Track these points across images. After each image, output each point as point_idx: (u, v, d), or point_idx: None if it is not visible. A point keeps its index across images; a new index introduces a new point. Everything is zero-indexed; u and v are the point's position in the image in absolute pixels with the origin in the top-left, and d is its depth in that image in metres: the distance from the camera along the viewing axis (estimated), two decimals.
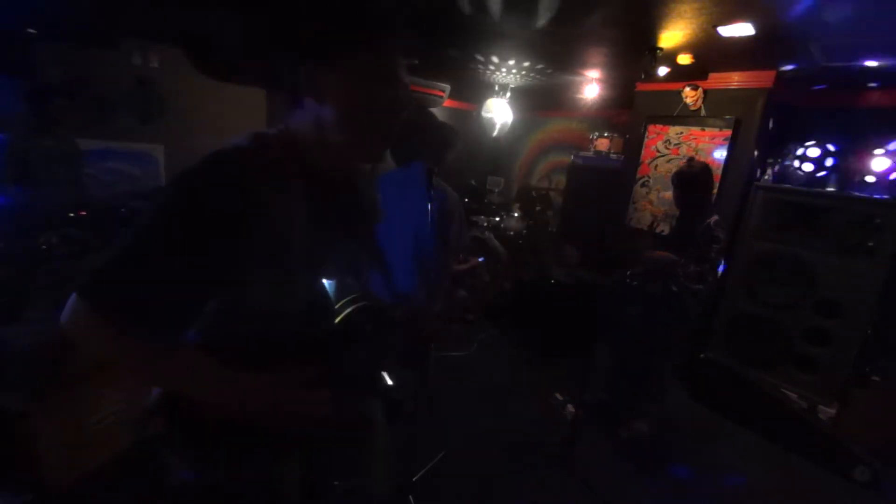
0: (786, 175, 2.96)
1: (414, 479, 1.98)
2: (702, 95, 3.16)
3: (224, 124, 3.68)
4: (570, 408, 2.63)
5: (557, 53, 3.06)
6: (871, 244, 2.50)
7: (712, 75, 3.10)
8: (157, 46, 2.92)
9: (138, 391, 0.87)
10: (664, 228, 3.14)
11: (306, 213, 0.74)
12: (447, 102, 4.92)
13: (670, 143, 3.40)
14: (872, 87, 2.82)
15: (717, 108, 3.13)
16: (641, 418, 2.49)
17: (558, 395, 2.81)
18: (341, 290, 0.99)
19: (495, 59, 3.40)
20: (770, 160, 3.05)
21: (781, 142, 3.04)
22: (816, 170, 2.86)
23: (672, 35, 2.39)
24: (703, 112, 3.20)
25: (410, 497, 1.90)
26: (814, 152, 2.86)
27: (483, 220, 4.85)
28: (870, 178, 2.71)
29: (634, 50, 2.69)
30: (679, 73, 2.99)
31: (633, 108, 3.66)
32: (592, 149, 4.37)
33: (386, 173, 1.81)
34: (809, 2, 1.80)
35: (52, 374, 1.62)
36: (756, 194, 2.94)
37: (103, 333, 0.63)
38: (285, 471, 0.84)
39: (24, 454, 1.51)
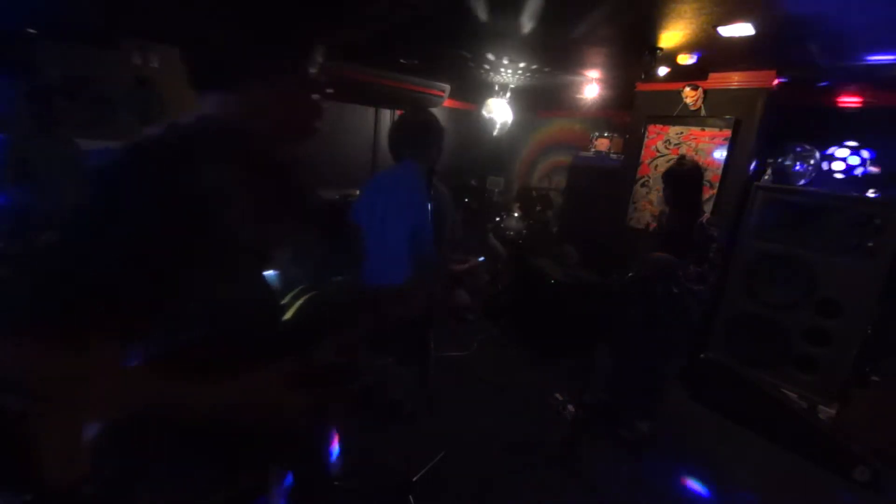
0: (784, 175, 2.96)
1: (414, 479, 1.98)
2: (702, 95, 3.16)
3: None
4: (570, 408, 2.63)
5: (557, 53, 3.07)
6: (871, 244, 2.50)
7: (712, 75, 3.09)
8: (157, 46, 2.92)
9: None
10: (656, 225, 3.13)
11: (239, 200, 0.69)
12: (447, 102, 4.93)
13: (670, 143, 3.40)
14: (873, 87, 2.82)
15: (717, 108, 3.13)
16: (642, 418, 2.49)
17: (558, 395, 2.81)
18: (287, 281, 0.92)
19: (495, 60, 3.41)
20: (770, 160, 3.05)
21: (781, 142, 3.04)
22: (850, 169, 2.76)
23: (672, 35, 2.40)
24: (703, 112, 3.20)
25: (410, 497, 1.90)
26: (843, 153, 2.78)
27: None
28: None
29: (634, 50, 2.69)
30: (679, 73, 3.00)
31: (633, 108, 3.66)
32: (592, 149, 4.37)
33: (380, 172, 1.87)
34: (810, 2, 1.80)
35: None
36: (756, 194, 2.94)
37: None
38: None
39: (25, 454, 1.51)
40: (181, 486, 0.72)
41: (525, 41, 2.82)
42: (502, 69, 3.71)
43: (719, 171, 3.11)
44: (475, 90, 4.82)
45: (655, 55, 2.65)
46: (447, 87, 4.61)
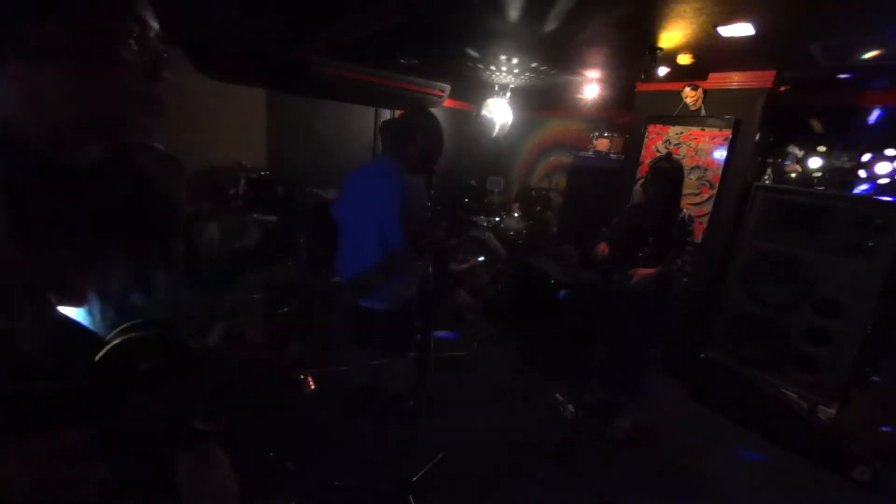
0: (783, 175, 2.97)
1: (414, 479, 1.98)
2: (702, 95, 3.16)
3: (224, 124, 3.69)
4: (571, 408, 2.64)
5: (557, 53, 3.06)
6: (871, 244, 2.50)
7: (712, 75, 3.09)
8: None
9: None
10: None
11: (16, 221, 0.55)
12: (447, 102, 4.93)
13: (670, 143, 3.40)
14: (874, 87, 2.82)
15: (716, 108, 3.13)
16: (625, 416, 2.53)
17: (558, 395, 2.81)
18: (117, 314, 0.71)
19: (495, 59, 3.40)
20: (770, 160, 3.05)
21: (781, 142, 3.04)
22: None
23: (672, 35, 2.40)
24: (702, 112, 3.20)
25: (410, 497, 1.90)
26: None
27: (483, 220, 4.85)
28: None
29: (634, 50, 2.69)
30: (679, 73, 3.00)
31: (633, 108, 3.66)
32: (592, 149, 4.37)
33: (355, 168, 2.08)
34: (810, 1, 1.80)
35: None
36: (756, 194, 2.94)
37: None
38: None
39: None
40: None
41: (525, 41, 2.82)
42: (502, 69, 3.71)
43: (719, 171, 3.11)
44: (475, 90, 4.81)
45: (655, 55, 2.65)
46: (447, 87, 4.61)
